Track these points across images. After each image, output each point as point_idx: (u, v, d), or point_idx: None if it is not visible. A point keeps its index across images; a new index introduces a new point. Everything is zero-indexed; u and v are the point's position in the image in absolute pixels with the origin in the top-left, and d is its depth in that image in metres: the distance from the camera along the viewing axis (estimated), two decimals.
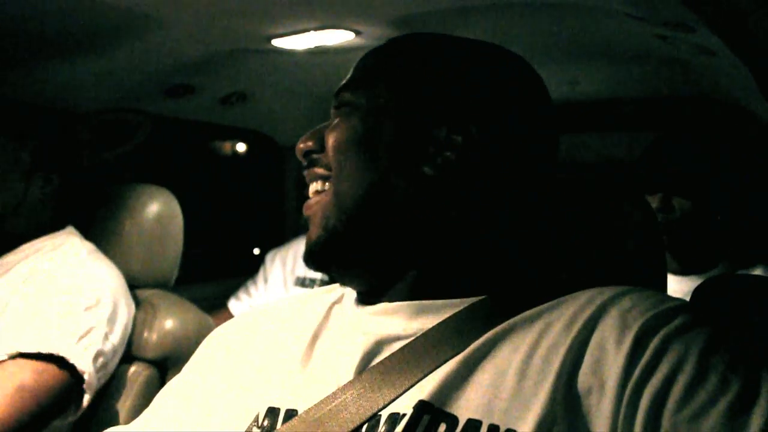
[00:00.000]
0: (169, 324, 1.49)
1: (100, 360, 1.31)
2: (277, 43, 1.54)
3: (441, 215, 0.70)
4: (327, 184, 0.73)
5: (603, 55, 1.69)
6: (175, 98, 1.88)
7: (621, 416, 0.58)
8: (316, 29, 1.44)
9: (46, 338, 1.24)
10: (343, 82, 0.76)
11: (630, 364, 0.59)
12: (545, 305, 0.67)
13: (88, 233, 1.52)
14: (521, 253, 0.75)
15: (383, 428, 0.63)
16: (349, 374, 0.69)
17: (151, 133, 1.88)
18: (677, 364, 0.58)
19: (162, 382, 1.45)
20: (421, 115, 0.71)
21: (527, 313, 0.66)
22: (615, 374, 0.59)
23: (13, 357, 1.21)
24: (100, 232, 1.59)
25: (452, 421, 0.61)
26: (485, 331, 0.66)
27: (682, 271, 1.56)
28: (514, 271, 0.73)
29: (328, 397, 0.67)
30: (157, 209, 1.62)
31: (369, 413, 0.65)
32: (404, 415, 0.63)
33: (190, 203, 1.73)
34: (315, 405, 0.67)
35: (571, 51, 1.71)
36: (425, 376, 0.65)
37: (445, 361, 0.65)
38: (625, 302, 0.64)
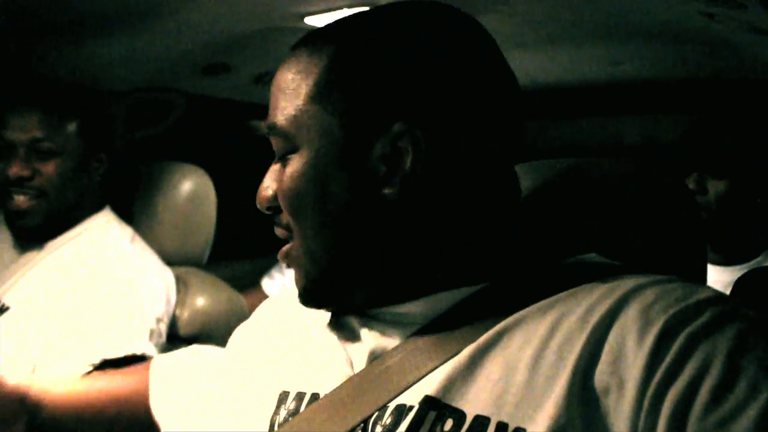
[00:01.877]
0: (200, 302, 1.50)
1: (160, 345, 1.36)
2: (310, 21, 1.52)
3: (417, 224, 0.66)
4: (293, 241, 0.70)
5: (647, 35, 1.63)
6: (211, 76, 1.88)
7: (642, 420, 0.54)
8: (349, 6, 1.42)
9: (124, 340, 1.27)
10: (270, 116, 0.69)
11: (652, 364, 0.54)
12: (560, 295, 0.63)
13: (122, 213, 1.54)
14: (525, 239, 0.71)
15: (389, 419, 0.62)
16: (362, 364, 0.68)
17: (185, 111, 1.88)
18: (704, 366, 0.53)
19: None
20: (363, 135, 0.65)
21: (540, 303, 0.63)
22: (635, 374, 0.55)
23: (96, 366, 1.23)
24: (134, 211, 1.61)
25: (459, 417, 0.59)
26: (494, 323, 0.63)
27: (721, 261, 1.51)
28: (518, 259, 0.69)
29: (343, 384, 0.67)
30: (191, 188, 1.63)
31: (377, 404, 0.63)
32: (411, 407, 0.61)
33: (224, 182, 1.73)
34: (330, 393, 0.67)
35: (614, 30, 1.65)
36: (435, 368, 0.63)
37: (455, 353, 0.63)
38: (648, 294, 0.59)
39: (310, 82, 0.66)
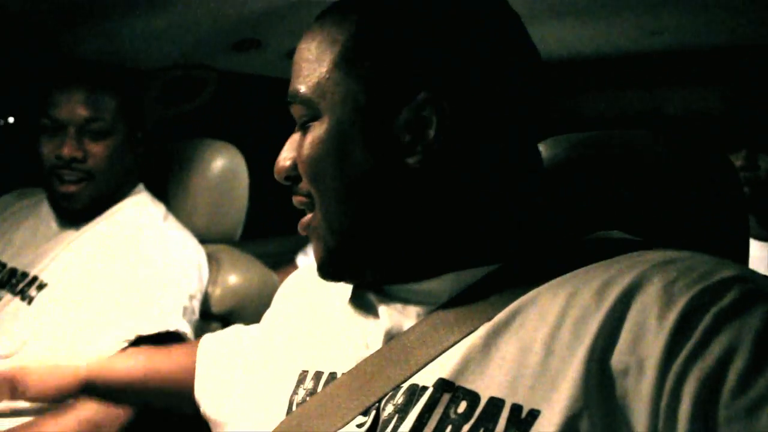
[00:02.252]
0: (232, 279, 1.51)
1: (193, 322, 1.37)
2: None
3: (438, 196, 0.65)
4: (313, 210, 0.69)
5: (686, 3, 1.57)
6: (242, 52, 1.88)
7: (663, 402, 0.51)
8: None
9: (159, 317, 1.29)
10: (292, 85, 0.69)
11: (675, 343, 0.52)
12: (577, 271, 0.61)
13: (155, 190, 1.55)
14: (546, 215, 0.69)
15: (400, 399, 0.61)
16: (378, 343, 0.68)
17: (217, 88, 1.88)
18: (731, 348, 0.50)
19: None
20: (388, 103, 0.64)
21: (556, 280, 0.61)
22: (656, 354, 0.52)
23: (131, 342, 1.25)
24: (167, 188, 1.62)
25: (473, 399, 0.58)
26: (510, 301, 0.61)
27: (766, 236, 1.47)
28: (538, 235, 0.68)
29: (359, 364, 0.67)
30: (223, 165, 1.64)
31: (393, 384, 0.63)
32: (424, 387, 0.61)
33: (256, 158, 1.73)
34: (347, 373, 0.68)
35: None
36: (449, 348, 0.62)
37: (469, 333, 0.62)
38: (670, 270, 0.56)
39: (335, 49, 0.65)
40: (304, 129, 0.68)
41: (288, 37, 1.92)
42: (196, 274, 1.42)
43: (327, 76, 0.65)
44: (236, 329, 0.97)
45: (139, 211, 1.45)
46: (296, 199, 0.71)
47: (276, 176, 0.71)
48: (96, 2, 1.55)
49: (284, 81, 2.03)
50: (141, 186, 1.52)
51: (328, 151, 0.65)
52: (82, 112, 1.37)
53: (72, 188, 1.38)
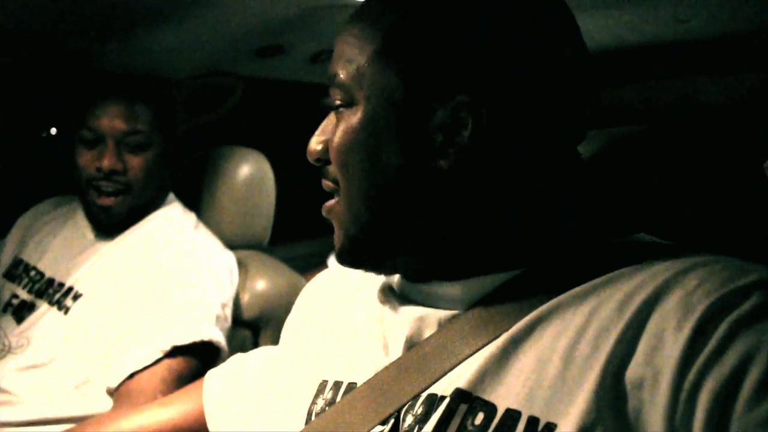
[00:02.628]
0: (261, 285, 1.53)
1: (225, 329, 1.39)
2: None
3: (465, 198, 0.64)
4: (338, 196, 0.69)
5: None
6: (266, 59, 1.90)
7: (678, 414, 0.50)
8: None
9: (193, 327, 1.31)
10: (332, 66, 0.68)
11: (690, 354, 0.51)
12: (599, 280, 0.60)
13: (184, 199, 1.58)
14: (573, 219, 0.68)
15: (420, 409, 0.61)
16: (398, 351, 0.68)
17: (242, 95, 1.91)
18: (747, 357, 0.49)
19: (255, 343, 1.50)
20: (424, 101, 0.63)
21: (576, 289, 0.60)
22: (672, 365, 0.51)
23: (167, 353, 1.27)
24: (195, 196, 1.65)
25: (490, 410, 0.58)
26: (530, 310, 0.60)
27: None
28: (563, 240, 0.66)
29: (378, 373, 0.67)
30: (249, 172, 1.66)
31: (412, 393, 0.63)
32: (443, 397, 0.60)
33: (284, 161, 1.75)
34: (366, 382, 0.67)
35: None
36: (468, 357, 0.62)
37: (488, 343, 0.61)
38: (691, 279, 0.55)
39: (378, 39, 0.64)
40: (339, 113, 0.67)
41: (311, 42, 1.93)
42: (227, 281, 1.43)
43: (366, 65, 0.64)
44: (238, 359, 0.96)
45: (170, 222, 1.47)
46: (324, 183, 0.71)
47: (308, 155, 0.71)
48: (123, 17, 1.59)
49: (308, 86, 2.02)
50: (172, 196, 1.54)
51: (360, 141, 0.65)
52: (122, 125, 1.39)
53: (110, 201, 1.40)
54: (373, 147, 0.64)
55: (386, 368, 0.67)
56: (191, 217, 1.53)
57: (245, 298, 1.51)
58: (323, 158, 0.69)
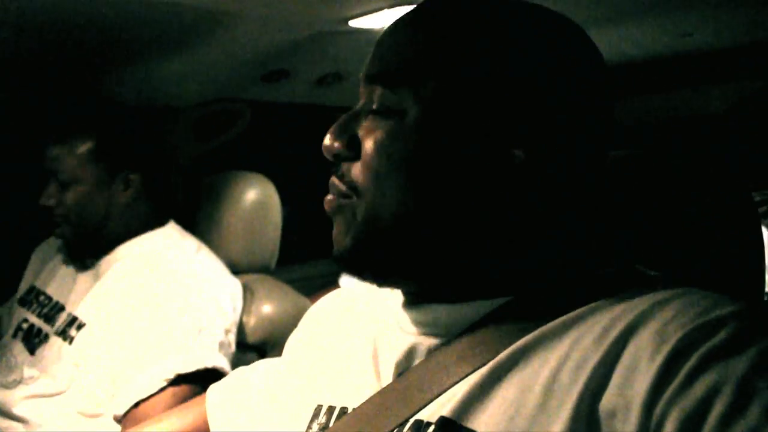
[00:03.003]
0: (267, 309, 1.54)
1: (229, 355, 1.40)
2: (354, 23, 1.52)
3: (481, 223, 0.64)
4: (351, 198, 0.67)
5: (712, 3, 1.52)
6: (271, 83, 1.92)
7: None
8: (389, 7, 1.41)
9: (197, 355, 1.32)
10: (377, 65, 0.66)
11: (660, 385, 0.51)
12: (583, 310, 0.60)
13: (190, 224, 1.60)
14: (567, 249, 0.68)
15: None
16: (389, 377, 0.68)
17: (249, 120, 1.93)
18: (714, 389, 0.49)
19: None
20: (479, 124, 0.62)
21: (561, 319, 0.60)
22: (642, 395, 0.51)
23: (171, 381, 1.29)
24: (200, 222, 1.67)
25: None
26: (515, 340, 0.61)
27: None
28: (553, 268, 0.66)
29: (367, 400, 0.67)
30: (255, 197, 1.68)
31: (398, 420, 0.64)
32: (428, 423, 0.61)
33: (290, 184, 1.76)
34: (356, 409, 0.68)
35: (677, 1, 1.55)
36: (450, 387, 0.62)
37: (472, 372, 0.61)
38: (667, 311, 0.55)
39: (443, 48, 0.63)
40: (378, 115, 0.65)
41: (316, 66, 1.95)
42: (230, 307, 1.44)
43: (430, 73, 0.62)
44: (240, 373, 0.97)
45: (168, 246, 1.48)
46: (336, 182, 0.67)
47: (325, 146, 0.67)
48: (132, 46, 1.63)
49: (313, 109, 2.04)
50: (171, 222, 1.56)
51: (407, 150, 0.63)
52: (51, 164, 1.46)
53: (58, 230, 1.49)
54: (420, 160, 0.63)
55: (375, 395, 0.67)
56: (192, 241, 1.54)
57: (251, 321, 1.52)
58: (344, 155, 0.66)
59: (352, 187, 0.66)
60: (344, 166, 0.67)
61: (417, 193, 0.63)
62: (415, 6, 0.67)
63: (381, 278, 0.69)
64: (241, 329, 1.51)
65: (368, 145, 0.64)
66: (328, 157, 0.68)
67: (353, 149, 0.66)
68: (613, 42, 1.82)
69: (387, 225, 0.64)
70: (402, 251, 0.65)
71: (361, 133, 0.66)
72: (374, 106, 0.65)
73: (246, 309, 1.53)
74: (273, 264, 1.71)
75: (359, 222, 0.65)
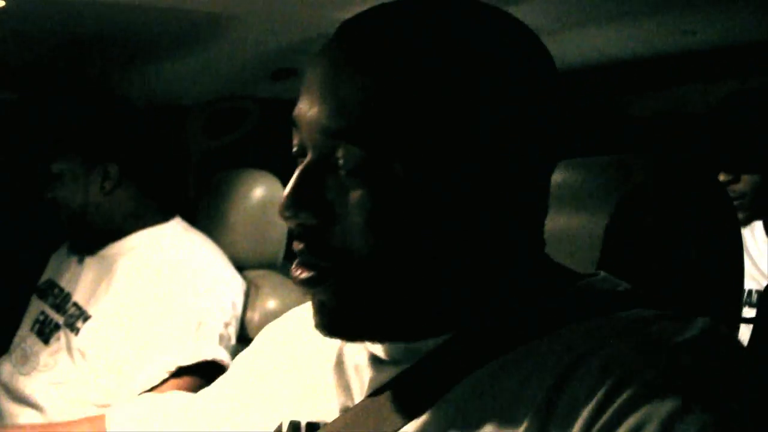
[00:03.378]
0: (271, 304, 1.57)
1: (230, 348, 1.44)
2: None
3: (443, 266, 0.60)
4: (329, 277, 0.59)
5: (716, 1, 1.52)
6: (280, 82, 1.95)
7: None
8: None
9: (197, 347, 1.36)
10: (333, 118, 0.56)
11: (593, 419, 0.50)
12: (539, 342, 0.58)
13: (197, 220, 1.63)
14: (517, 279, 0.63)
15: None
16: (358, 391, 0.67)
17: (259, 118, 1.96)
18: (637, 427, 0.48)
19: None
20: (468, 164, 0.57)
21: (519, 349, 0.58)
22: (578, 429, 0.50)
23: (172, 373, 1.34)
24: (209, 218, 1.70)
25: None
26: (462, 378, 0.59)
27: None
28: (500, 300, 0.62)
29: (337, 418, 0.67)
30: (263, 193, 1.71)
31: None
32: None
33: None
34: (328, 425, 0.68)
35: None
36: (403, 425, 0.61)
37: (419, 414, 0.60)
38: (617, 342, 0.53)
39: (404, 101, 0.55)
40: (351, 175, 0.56)
41: None
42: (229, 300, 1.47)
43: (408, 127, 0.54)
44: (150, 401, 0.95)
45: (171, 242, 1.51)
46: (310, 253, 0.58)
47: (288, 223, 0.58)
48: (144, 46, 1.67)
49: None
50: (177, 218, 1.58)
51: (399, 208, 0.56)
52: (40, 158, 1.53)
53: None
54: (410, 214, 0.56)
55: (349, 412, 0.66)
56: (196, 237, 1.56)
57: (256, 317, 1.55)
58: (317, 225, 0.57)
59: (335, 252, 0.58)
60: (314, 233, 0.58)
61: (403, 246, 0.57)
62: (342, 34, 0.61)
63: (370, 338, 0.65)
64: (246, 324, 1.54)
65: (353, 210, 0.56)
66: (292, 227, 0.59)
67: (324, 215, 0.57)
68: (616, 40, 1.82)
69: (384, 286, 0.59)
70: (389, 307, 0.61)
71: (331, 195, 0.57)
72: (341, 163, 0.56)
73: (251, 304, 1.56)
74: (280, 260, 1.75)
75: (355, 289, 0.59)
